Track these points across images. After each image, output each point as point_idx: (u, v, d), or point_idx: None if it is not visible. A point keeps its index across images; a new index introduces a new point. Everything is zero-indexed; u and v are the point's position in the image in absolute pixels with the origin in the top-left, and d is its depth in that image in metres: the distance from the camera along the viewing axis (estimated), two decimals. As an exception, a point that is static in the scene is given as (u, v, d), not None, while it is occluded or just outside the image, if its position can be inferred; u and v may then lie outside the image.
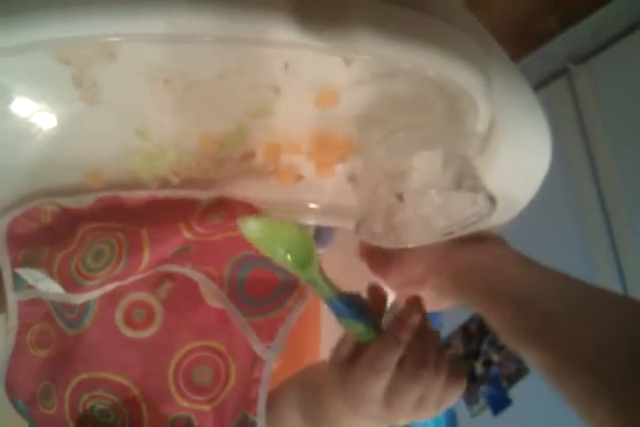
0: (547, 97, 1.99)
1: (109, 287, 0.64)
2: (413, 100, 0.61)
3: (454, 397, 0.62)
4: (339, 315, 0.62)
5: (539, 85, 2.04)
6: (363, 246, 0.75)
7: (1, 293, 0.71)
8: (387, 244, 0.66)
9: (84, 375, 0.65)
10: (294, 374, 0.75)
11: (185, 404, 0.65)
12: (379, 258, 0.73)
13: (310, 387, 0.70)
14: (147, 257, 0.63)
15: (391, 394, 0.60)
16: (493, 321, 0.62)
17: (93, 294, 0.64)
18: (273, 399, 0.69)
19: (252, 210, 0.67)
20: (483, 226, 0.66)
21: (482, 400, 2.07)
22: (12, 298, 0.69)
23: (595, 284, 0.60)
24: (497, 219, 0.68)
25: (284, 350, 0.67)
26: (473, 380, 2.11)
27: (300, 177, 0.68)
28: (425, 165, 0.62)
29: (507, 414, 1.98)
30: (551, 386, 0.58)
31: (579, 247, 1.80)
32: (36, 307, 0.69)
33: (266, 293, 0.68)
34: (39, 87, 0.55)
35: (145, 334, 0.66)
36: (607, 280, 1.69)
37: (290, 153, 0.65)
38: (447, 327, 2.22)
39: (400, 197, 0.61)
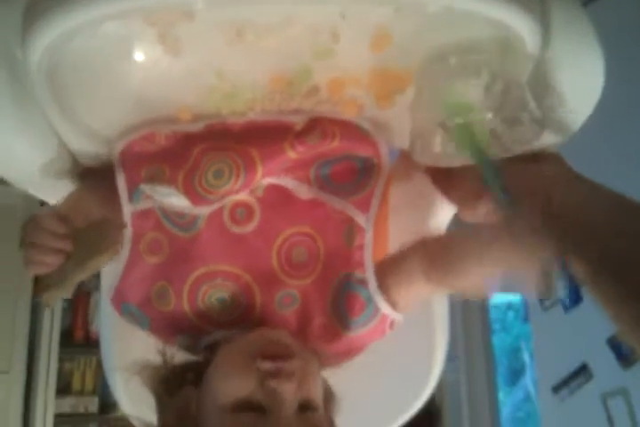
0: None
1: (227, 200, 0.76)
2: (463, 33, 0.66)
3: None
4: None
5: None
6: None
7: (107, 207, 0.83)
8: (439, 163, 0.73)
9: (203, 270, 0.77)
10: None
11: (289, 281, 0.77)
12: (442, 174, 0.79)
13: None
14: (260, 173, 0.74)
15: None
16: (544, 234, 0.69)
17: (214, 206, 0.76)
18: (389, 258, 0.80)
19: (345, 127, 0.77)
20: (538, 145, 0.71)
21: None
22: (127, 210, 0.80)
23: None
24: (553, 138, 0.73)
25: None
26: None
27: (361, 107, 0.76)
28: (474, 89, 0.67)
29: (577, 310, 2.05)
30: (590, 292, 0.66)
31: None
32: (147, 218, 0.80)
33: (351, 178, 0.79)
34: (131, 43, 0.64)
35: (248, 228, 0.77)
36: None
37: (351, 87, 0.73)
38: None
39: (443, 125, 0.67)
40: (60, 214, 0.78)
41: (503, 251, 0.70)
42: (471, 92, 0.67)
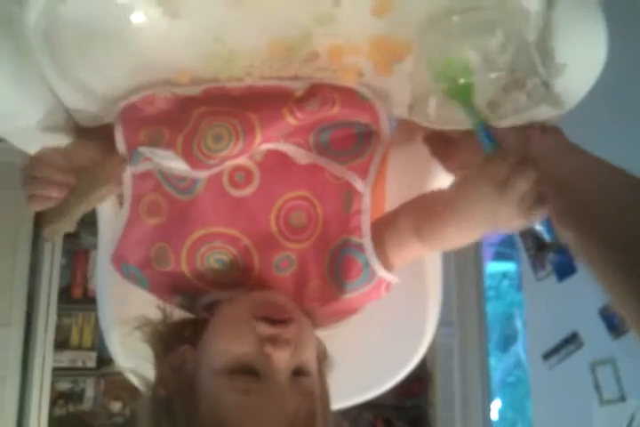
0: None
1: (226, 164, 0.76)
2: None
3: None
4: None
5: None
6: (426, 132, 0.82)
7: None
8: (439, 125, 0.73)
9: (201, 232, 0.77)
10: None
11: (287, 244, 0.78)
12: (440, 143, 0.80)
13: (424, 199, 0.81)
14: (259, 139, 0.74)
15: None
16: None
17: (214, 170, 0.76)
18: (383, 218, 0.80)
19: (345, 93, 0.76)
20: (539, 115, 0.71)
21: (548, 266, 2.16)
22: (127, 171, 0.80)
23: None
24: (553, 110, 0.72)
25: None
26: (542, 247, 2.19)
27: (361, 75, 0.75)
28: (480, 48, 0.66)
29: (571, 281, 2.07)
30: (582, 263, 0.67)
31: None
32: (146, 180, 0.80)
33: (349, 144, 0.79)
34: (130, 3, 0.64)
35: (246, 191, 0.78)
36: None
37: (351, 54, 0.72)
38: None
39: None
40: (64, 150, 0.78)
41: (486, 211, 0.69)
42: (479, 50, 0.66)
